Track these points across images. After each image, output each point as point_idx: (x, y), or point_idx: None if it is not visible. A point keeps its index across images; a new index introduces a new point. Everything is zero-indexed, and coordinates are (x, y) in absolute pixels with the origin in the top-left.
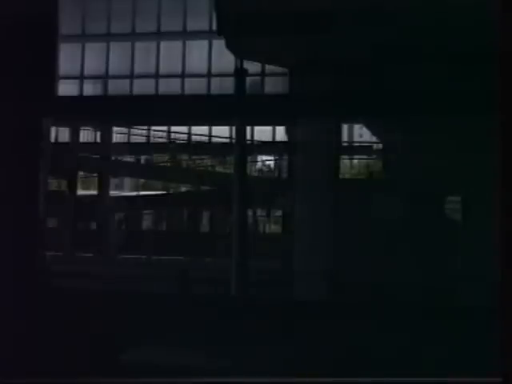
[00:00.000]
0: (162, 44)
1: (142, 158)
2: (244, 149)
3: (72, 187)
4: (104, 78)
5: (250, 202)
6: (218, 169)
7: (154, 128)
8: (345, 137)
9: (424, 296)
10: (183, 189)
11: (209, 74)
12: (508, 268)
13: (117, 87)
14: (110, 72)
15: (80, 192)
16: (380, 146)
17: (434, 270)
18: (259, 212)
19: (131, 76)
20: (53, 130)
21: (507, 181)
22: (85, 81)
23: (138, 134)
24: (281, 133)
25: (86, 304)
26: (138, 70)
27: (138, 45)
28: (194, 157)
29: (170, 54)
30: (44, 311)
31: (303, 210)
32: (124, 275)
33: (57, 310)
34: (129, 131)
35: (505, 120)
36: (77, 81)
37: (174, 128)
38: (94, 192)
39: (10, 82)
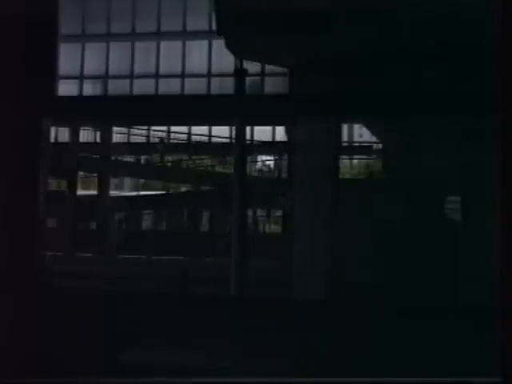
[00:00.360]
0: (162, 44)
1: (142, 158)
2: (244, 149)
3: (72, 187)
4: (104, 77)
5: (250, 202)
6: (218, 169)
7: (153, 128)
8: (344, 137)
9: (422, 296)
10: (183, 189)
11: (209, 74)
12: (508, 268)
13: (116, 87)
14: (109, 72)
15: (80, 192)
16: (380, 145)
17: (433, 270)
18: (259, 212)
19: (131, 76)
20: (53, 129)
21: (507, 180)
22: (84, 81)
23: (138, 134)
24: (281, 133)
25: (85, 304)
26: (137, 69)
27: (138, 45)
28: (193, 157)
29: (169, 54)
30: (43, 311)
31: (303, 210)
32: (124, 275)
33: (56, 309)
34: (128, 131)
35: (505, 120)
36: (76, 81)
37: (173, 128)
38: (93, 192)
39: (9, 82)
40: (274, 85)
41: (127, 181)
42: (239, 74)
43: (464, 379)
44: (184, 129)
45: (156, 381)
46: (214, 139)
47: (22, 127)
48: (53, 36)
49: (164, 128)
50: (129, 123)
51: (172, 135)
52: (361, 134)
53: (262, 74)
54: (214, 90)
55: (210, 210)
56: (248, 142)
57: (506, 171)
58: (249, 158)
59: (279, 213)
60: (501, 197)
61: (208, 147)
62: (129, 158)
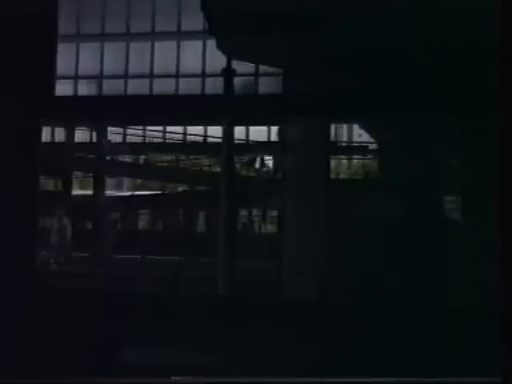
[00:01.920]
0: (157, 44)
1: (137, 158)
2: (239, 149)
3: (67, 187)
4: (99, 77)
5: (245, 202)
6: (214, 169)
7: (148, 128)
8: (338, 137)
9: (415, 296)
10: (178, 189)
11: (203, 74)
12: (507, 268)
13: (111, 87)
14: (104, 72)
15: (75, 192)
16: (374, 145)
17: (425, 269)
18: (254, 212)
19: (125, 76)
20: (49, 129)
21: (506, 180)
22: (79, 81)
23: (133, 134)
24: (274, 133)
25: (82, 304)
26: (132, 70)
27: (133, 45)
28: (190, 157)
29: (164, 55)
30: (41, 311)
31: (294, 210)
32: (120, 275)
33: (53, 309)
34: (124, 131)
35: (504, 119)
36: (71, 81)
37: (168, 128)
38: (89, 192)
39: (7, 82)
40: (267, 85)
41: (123, 180)
42: (230, 73)
43: (464, 379)
44: (179, 129)
45: (156, 381)
46: (209, 139)
47: (19, 127)
48: (51, 36)
49: (159, 128)
50: (123, 123)
51: (167, 135)
52: (360, 134)
53: (256, 73)
54: (208, 90)
55: (205, 210)
56: (244, 142)
57: (505, 171)
58: (245, 158)
59: (274, 213)
60: (500, 197)
61: (203, 147)
62: (124, 158)
